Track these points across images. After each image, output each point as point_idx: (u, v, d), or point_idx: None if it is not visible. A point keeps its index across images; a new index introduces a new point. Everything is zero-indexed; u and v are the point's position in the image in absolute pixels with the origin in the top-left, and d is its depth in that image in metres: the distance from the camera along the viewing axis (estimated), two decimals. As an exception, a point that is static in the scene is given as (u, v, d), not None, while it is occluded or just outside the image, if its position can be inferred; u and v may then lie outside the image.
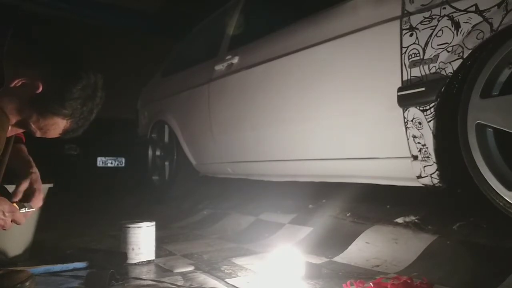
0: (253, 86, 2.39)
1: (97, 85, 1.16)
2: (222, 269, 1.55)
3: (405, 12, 1.53)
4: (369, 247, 1.62)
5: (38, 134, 1.15)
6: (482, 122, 1.35)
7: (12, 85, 1.07)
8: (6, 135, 1.11)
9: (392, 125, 1.61)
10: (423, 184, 1.59)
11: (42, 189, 1.28)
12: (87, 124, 1.19)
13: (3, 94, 1.07)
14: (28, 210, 1.19)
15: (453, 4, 1.37)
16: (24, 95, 1.08)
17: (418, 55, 1.48)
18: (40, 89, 1.08)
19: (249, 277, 1.44)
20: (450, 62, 1.39)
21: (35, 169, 1.30)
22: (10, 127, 1.12)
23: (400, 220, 1.70)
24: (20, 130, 1.18)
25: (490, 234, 1.39)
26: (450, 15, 1.38)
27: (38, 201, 1.24)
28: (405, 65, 1.52)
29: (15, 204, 1.17)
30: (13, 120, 1.10)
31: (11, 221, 1.16)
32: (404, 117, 1.54)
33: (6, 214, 1.10)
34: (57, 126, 1.13)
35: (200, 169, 3.20)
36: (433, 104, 1.44)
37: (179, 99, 3.24)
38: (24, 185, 1.23)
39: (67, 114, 1.12)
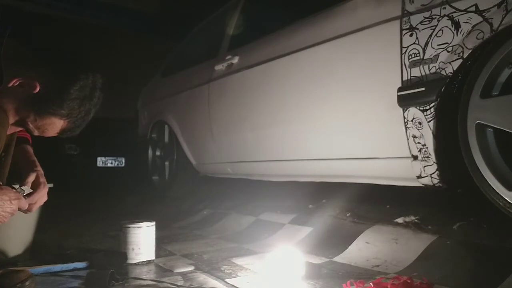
0: (253, 86, 2.39)
1: (95, 85, 1.16)
2: (222, 269, 1.55)
3: (405, 12, 1.53)
4: (369, 247, 1.62)
5: (36, 133, 1.16)
6: (482, 122, 1.35)
7: (10, 84, 1.07)
8: (6, 133, 1.12)
9: (392, 125, 1.61)
10: (423, 184, 1.59)
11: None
12: (84, 124, 1.19)
13: (1, 94, 1.08)
14: (28, 192, 1.20)
15: (453, 4, 1.37)
16: (21, 95, 1.09)
17: (418, 55, 1.48)
18: (37, 89, 1.08)
19: (249, 277, 1.44)
20: (450, 62, 1.39)
21: (39, 168, 1.30)
22: (9, 126, 1.12)
23: (400, 220, 1.70)
24: (19, 129, 1.19)
25: (490, 234, 1.39)
26: (450, 15, 1.38)
27: (43, 196, 1.24)
28: (405, 65, 1.52)
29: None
30: (12, 119, 1.11)
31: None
32: (404, 117, 1.54)
33: (13, 201, 1.11)
34: (55, 125, 1.14)
35: (200, 169, 3.20)
36: (433, 104, 1.44)
37: (179, 99, 3.24)
38: (31, 177, 1.24)
39: (65, 114, 1.12)
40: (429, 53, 1.45)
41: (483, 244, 1.35)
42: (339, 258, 1.61)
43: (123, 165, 5.19)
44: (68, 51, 1.17)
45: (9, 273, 1.25)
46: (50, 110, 1.10)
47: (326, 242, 1.79)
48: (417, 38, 1.48)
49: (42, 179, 1.26)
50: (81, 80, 1.12)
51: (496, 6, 1.26)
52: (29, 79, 1.08)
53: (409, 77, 1.51)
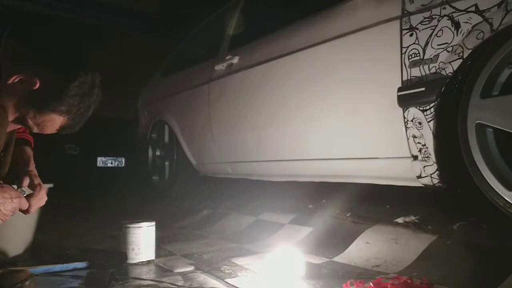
0: (253, 86, 2.39)
1: (94, 82, 1.16)
2: (222, 269, 1.55)
3: (405, 12, 1.53)
4: (369, 247, 1.62)
5: (35, 130, 1.16)
6: (482, 122, 1.35)
7: (10, 81, 1.07)
8: (6, 132, 1.12)
9: (392, 125, 1.61)
10: (423, 184, 1.59)
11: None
12: (84, 121, 1.19)
13: (1, 91, 1.07)
14: (28, 193, 1.20)
15: (453, 4, 1.37)
16: (21, 92, 1.09)
17: (418, 55, 1.48)
18: (37, 85, 1.09)
19: (249, 277, 1.44)
20: (450, 62, 1.39)
21: (33, 170, 1.30)
22: (9, 124, 1.12)
23: (400, 220, 1.70)
24: (18, 127, 1.19)
25: (490, 234, 1.39)
26: (450, 15, 1.38)
27: (41, 197, 1.24)
28: (405, 65, 1.52)
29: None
30: (11, 116, 1.11)
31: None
32: (404, 117, 1.54)
33: (14, 200, 1.11)
34: (54, 122, 1.14)
35: (200, 169, 3.20)
36: (433, 104, 1.44)
37: (179, 99, 3.24)
38: (26, 181, 1.24)
39: (64, 111, 1.12)
40: (429, 53, 1.45)
41: (483, 244, 1.35)
42: (339, 258, 1.61)
43: (123, 165, 5.19)
44: (68, 50, 1.18)
45: (9, 273, 1.25)
46: (50, 107, 1.10)
47: (326, 242, 1.79)
48: (417, 38, 1.48)
49: (37, 181, 1.26)
50: (81, 77, 1.12)
51: (496, 6, 1.26)
52: (29, 76, 1.08)
53: (409, 77, 1.51)
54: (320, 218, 2.01)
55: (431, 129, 1.47)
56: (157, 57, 4.49)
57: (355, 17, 1.75)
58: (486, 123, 1.34)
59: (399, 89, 1.54)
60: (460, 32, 1.35)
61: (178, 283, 1.37)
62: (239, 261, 1.66)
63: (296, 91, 2.06)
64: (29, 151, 1.38)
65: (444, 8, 1.40)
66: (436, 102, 1.43)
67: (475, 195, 1.42)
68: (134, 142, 4.11)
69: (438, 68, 1.42)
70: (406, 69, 1.52)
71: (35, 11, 6.00)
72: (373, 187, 1.95)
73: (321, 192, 2.35)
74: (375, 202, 1.99)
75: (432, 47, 1.44)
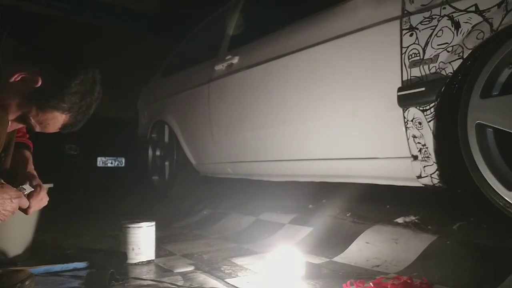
0: (253, 86, 2.39)
1: (95, 80, 1.16)
2: (222, 269, 1.55)
3: (405, 12, 1.53)
4: (369, 247, 1.62)
5: (38, 129, 1.16)
6: (482, 122, 1.35)
7: (12, 80, 1.07)
8: (6, 131, 1.12)
9: (392, 125, 1.61)
10: (423, 184, 1.59)
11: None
12: (85, 119, 1.19)
13: (3, 90, 1.07)
14: (29, 191, 1.20)
15: (453, 4, 1.37)
16: (23, 90, 1.09)
17: (418, 55, 1.48)
18: (39, 83, 1.08)
19: (249, 277, 1.44)
20: (450, 62, 1.39)
21: (34, 172, 1.30)
22: (10, 122, 1.12)
23: (400, 220, 1.70)
24: (20, 126, 1.19)
25: (490, 234, 1.39)
26: (450, 15, 1.38)
27: (42, 197, 1.24)
28: (405, 65, 1.52)
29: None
30: (13, 115, 1.11)
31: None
32: (404, 117, 1.54)
33: (13, 200, 1.11)
34: (56, 120, 1.14)
35: (200, 169, 3.21)
36: (433, 104, 1.44)
37: (179, 99, 3.24)
38: (25, 182, 1.24)
39: (66, 109, 1.12)
40: (429, 53, 1.45)
41: (483, 244, 1.35)
42: (339, 258, 1.61)
43: (123, 165, 5.19)
44: (68, 47, 1.18)
45: (9, 273, 1.25)
46: (52, 104, 1.10)
47: (326, 242, 1.79)
48: (417, 38, 1.48)
49: (36, 182, 1.26)
50: (82, 74, 1.12)
51: (496, 6, 1.26)
52: (31, 74, 1.08)
53: (409, 77, 1.51)
54: (320, 218, 2.01)
55: (431, 129, 1.47)
56: (157, 57, 4.49)
57: (355, 17, 1.75)
58: (486, 123, 1.34)
59: (399, 89, 1.54)
60: (460, 32, 1.35)
61: (178, 283, 1.37)
62: (239, 261, 1.66)
63: (296, 91, 2.06)
64: (28, 155, 1.38)
65: (444, 8, 1.40)
66: (436, 102, 1.43)
67: (475, 195, 1.42)
68: (134, 142, 4.11)
69: (438, 68, 1.42)
70: (406, 69, 1.52)
71: (35, 11, 6.01)
72: (373, 187, 1.95)
73: (321, 192, 2.35)
74: (375, 202, 1.99)
75: (432, 47, 1.44)
